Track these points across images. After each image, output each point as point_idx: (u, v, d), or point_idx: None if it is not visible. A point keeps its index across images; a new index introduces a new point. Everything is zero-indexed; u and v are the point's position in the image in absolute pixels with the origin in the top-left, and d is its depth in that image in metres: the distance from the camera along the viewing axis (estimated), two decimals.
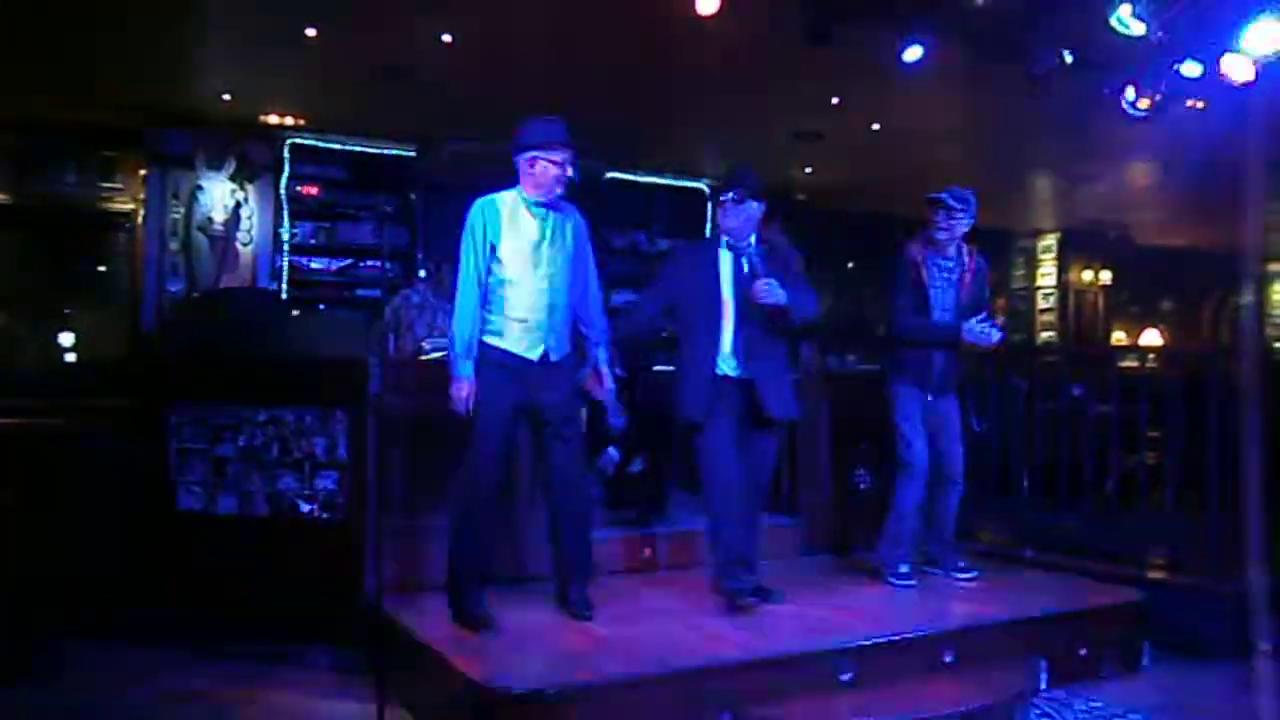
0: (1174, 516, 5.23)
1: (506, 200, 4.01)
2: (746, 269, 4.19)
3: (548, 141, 3.94)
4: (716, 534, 4.24)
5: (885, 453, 5.00)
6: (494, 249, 3.94)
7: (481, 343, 3.95)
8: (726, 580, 4.19)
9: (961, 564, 4.87)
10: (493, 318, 3.96)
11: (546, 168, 3.94)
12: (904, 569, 4.74)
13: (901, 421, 4.75)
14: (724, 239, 4.28)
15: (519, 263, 3.94)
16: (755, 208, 4.24)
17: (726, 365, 4.20)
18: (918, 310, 4.73)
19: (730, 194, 4.22)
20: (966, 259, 4.79)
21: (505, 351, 3.94)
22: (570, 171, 3.99)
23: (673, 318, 4.37)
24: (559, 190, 4.00)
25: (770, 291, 4.08)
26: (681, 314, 4.31)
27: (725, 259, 4.23)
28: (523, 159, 3.98)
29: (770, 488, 4.51)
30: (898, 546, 4.77)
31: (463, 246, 3.97)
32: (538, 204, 3.99)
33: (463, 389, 3.90)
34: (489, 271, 3.95)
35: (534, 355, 3.96)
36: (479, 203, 4.00)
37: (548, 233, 4.01)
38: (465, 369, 3.91)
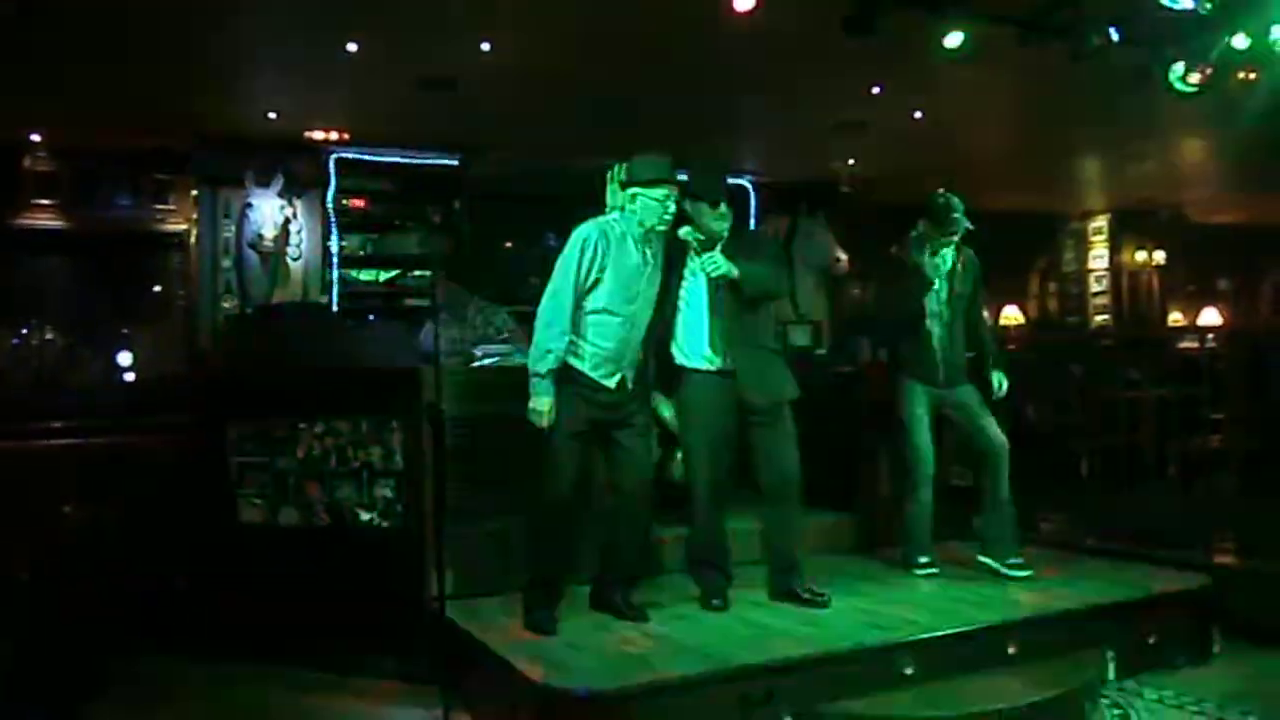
0: (1240, 500, 5.12)
1: (615, 229, 4.06)
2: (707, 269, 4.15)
3: (650, 179, 4.01)
4: None
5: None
6: (599, 279, 3.98)
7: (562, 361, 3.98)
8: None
9: (1014, 560, 4.70)
10: (578, 341, 3.99)
11: (648, 204, 3.99)
12: (923, 559, 4.78)
13: (906, 420, 4.79)
14: (695, 239, 4.20)
15: (616, 294, 4.00)
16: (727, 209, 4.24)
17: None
18: (915, 298, 4.76)
19: (721, 202, 4.18)
20: (957, 254, 4.83)
21: (584, 374, 3.99)
22: (672, 207, 4.04)
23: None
24: (660, 227, 4.06)
25: (713, 263, 4.07)
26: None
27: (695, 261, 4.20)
28: (626, 195, 4.05)
29: (789, 481, 4.24)
30: (916, 539, 4.82)
31: (564, 264, 3.99)
32: (640, 238, 4.05)
33: (544, 405, 3.93)
34: (584, 296, 3.98)
35: (611, 383, 4.03)
36: (590, 226, 4.04)
37: (646, 268, 4.07)
38: (549, 389, 3.93)
